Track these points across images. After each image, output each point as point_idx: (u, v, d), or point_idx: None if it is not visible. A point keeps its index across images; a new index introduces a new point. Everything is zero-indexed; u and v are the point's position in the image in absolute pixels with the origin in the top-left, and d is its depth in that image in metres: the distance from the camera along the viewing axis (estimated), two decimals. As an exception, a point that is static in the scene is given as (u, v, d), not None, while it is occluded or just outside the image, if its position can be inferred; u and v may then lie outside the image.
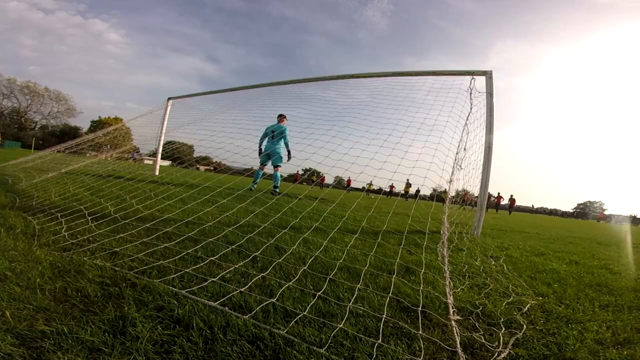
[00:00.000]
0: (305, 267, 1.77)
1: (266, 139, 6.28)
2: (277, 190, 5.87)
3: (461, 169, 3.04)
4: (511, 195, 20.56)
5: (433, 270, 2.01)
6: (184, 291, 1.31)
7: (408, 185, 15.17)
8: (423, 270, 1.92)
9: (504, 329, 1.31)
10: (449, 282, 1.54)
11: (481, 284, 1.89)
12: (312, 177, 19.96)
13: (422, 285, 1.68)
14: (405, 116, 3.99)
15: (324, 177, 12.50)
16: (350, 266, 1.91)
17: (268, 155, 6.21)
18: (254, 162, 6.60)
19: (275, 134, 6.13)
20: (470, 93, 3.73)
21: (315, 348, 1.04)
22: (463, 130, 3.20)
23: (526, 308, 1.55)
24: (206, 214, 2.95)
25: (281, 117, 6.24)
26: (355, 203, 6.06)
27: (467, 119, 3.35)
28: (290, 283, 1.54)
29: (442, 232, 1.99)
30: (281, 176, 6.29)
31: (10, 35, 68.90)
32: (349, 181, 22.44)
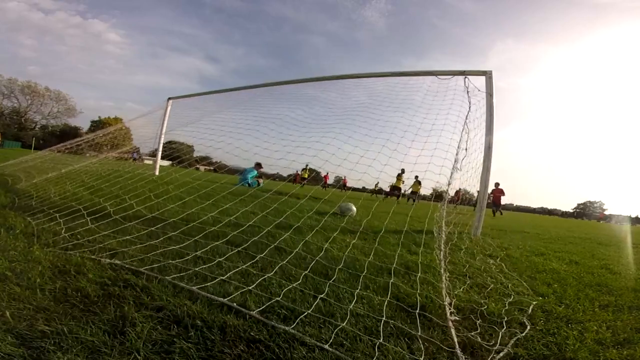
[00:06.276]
0: (304, 259, 1.77)
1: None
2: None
3: (459, 170, 3.03)
4: (497, 184, 11.92)
5: (433, 271, 2.01)
6: (187, 286, 1.31)
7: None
8: (423, 271, 1.92)
9: (504, 328, 1.30)
10: (446, 284, 1.54)
11: (481, 283, 1.90)
12: (303, 173, 16.57)
13: (422, 286, 1.68)
14: (403, 118, 4.00)
15: (327, 176, 12.15)
16: (350, 266, 1.91)
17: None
18: (253, 163, 7.85)
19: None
20: (468, 92, 3.72)
21: (315, 348, 1.04)
22: (462, 130, 3.19)
23: (530, 309, 1.55)
24: (206, 213, 2.95)
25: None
26: (352, 201, 6.05)
27: (466, 119, 3.35)
28: (292, 283, 1.54)
29: (436, 234, 2.00)
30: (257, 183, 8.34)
31: (10, 35, 68.74)
32: (344, 180, 21.85)
